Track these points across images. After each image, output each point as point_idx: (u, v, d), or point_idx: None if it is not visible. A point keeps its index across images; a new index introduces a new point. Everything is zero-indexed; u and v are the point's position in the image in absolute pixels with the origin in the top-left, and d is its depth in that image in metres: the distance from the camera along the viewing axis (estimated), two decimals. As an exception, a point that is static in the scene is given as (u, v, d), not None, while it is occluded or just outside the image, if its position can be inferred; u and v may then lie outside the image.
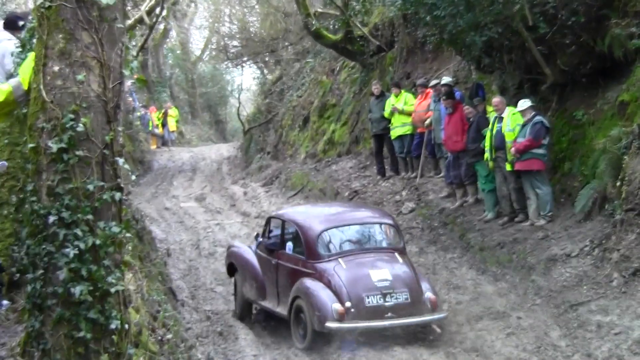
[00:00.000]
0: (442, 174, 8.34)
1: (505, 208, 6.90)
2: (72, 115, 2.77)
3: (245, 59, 18.21)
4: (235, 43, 18.56)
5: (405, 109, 8.78)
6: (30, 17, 3.84)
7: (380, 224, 5.98)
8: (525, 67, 6.96)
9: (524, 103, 6.56)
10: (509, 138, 6.75)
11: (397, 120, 8.93)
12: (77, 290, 2.66)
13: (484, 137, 7.03)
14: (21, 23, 4.15)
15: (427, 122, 8.40)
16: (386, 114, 9.02)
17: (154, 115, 17.60)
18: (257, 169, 13.26)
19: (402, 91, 9.06)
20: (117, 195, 2.85)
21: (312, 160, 11.48)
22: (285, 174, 11.40)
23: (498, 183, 6.96)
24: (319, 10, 12.08)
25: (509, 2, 6.27)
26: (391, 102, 9.01)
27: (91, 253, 2.72)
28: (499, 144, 6.83)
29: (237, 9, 18.61)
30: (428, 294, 5.49)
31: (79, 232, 2.70)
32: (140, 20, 11.74)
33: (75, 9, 2.71)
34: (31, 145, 2.79)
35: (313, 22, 10.75)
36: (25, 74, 3.02)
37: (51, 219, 2.71)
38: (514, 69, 7.05)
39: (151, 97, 19.41)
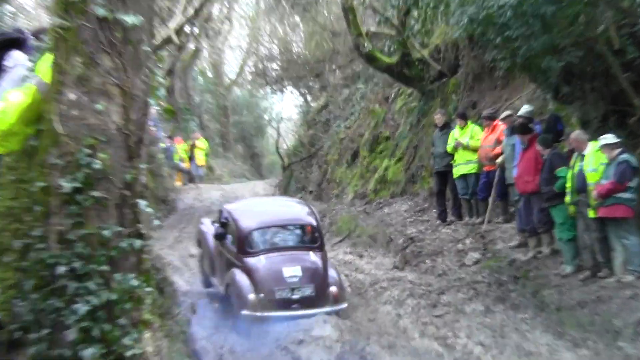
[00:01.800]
0: (513, 220, 8.32)
1: (586, 261, 6.80)
2: (88, 151, 2.72)
3: (286, 83, 18.40)
4: (275, 66, 18.71)
5: (471, 144, 8.86)
6: (42, 36, 3.86)
7: (302, 225, 7.50)
8: (610, 97, 6.99)
9: (607, 139, 6.51)
10: (591, 179, 6.70)
11: (460, 157, 9.02)
12: (87, 353, 2.63)
13: (558, 178, 7.02)
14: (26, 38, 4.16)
15: (499, 160, 8.37)
16: (449, 148, 9.09)
17: (180, 148, 17.94)
18: None
19: (469, 123, 9.11)
20: (137, 243, 2.82)
21: (361, 201, 11.52)
22: (329, 217, 11.55)
23: (579, 231, 6.89)
24: (372, 29, 12.13)
25: (591, 23, 6.38)
26: (455, 135, 9.08)
27: (105, 310, 2.68)
28: (581, 186, 6.76)
29: (277, 27, 18.83)
30: (332, 288, 7.00)
31: (92, 285, 2.67)
32: (168, 41, 11.69)
33: (97, 29, 2.66)
34: (40, 183, 2.74)
35: (365, 44, 10.84)
36: (43, 71, 2.95)
37: (60, 269, 2.66)
38: (597, 99, 7.06)
39: (177, 126, 19.70)
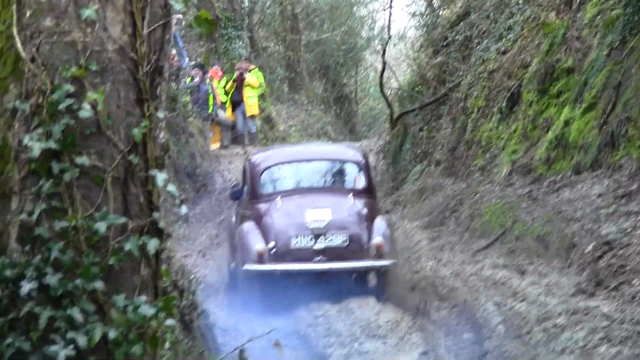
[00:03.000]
0: None
1: None
2: (70, 87, 2.63)
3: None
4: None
5: None
6: None
7: (342, 161, 9.07)
8: None
9: None
10: None
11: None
12: None
13: None
14: None
15: None
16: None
17: (219, 85, 17.39)
18: (416, 194, 13.89)
19: None
20: (152, 244, 2.74)
21: (523, 178, 11.46)
22: (469, 204, 11.68)
23: None
24: None
25: None
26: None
27: (100, 355, 2.58)
28: None
29: None
30: (376, 240, 8.16)
31: (77, 313, 2.55)
32: None
33: None
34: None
35: None
36: None
37: (25, 287, 2.55)
38: None
39: (215, 48, 19.08)
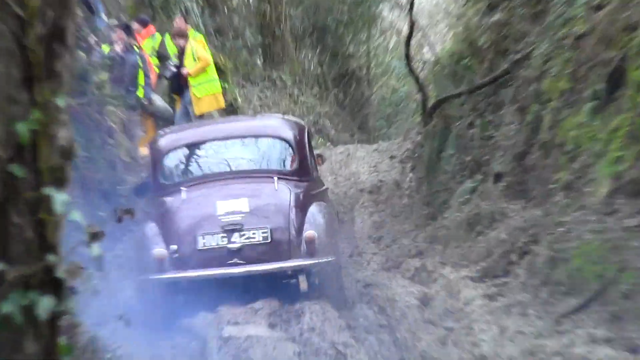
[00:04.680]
0: None
1: None
2: None
3: None
4: None
5: None
6: None
7: (267, 137, 10.54)
8: None
9: None
10: None
11: None
12: None
13: None
14: None
15: None
16: None
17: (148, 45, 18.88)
18: (464, 226, 13.85)
19: None
20: (45, 304, 2.92)
21: (633, 201, 11.14)
22: (548, 242, 11.24)
23: None
24: None
25: None
26: None
27: None
28: None
29: None
30: (308, 232, 9.40)
31: None
32: None
33: None
34: None
35: None
36: None
37: None
38: None
39: (147, 1, 19.93)
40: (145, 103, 17.68)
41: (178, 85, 18.26)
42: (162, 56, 19.01)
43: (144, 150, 17.78)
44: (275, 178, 9.99)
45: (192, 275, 9.32)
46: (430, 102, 17.40)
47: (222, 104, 19.36)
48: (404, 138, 21.00)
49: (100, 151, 15.42)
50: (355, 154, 22.37)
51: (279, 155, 10.50)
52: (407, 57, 18.11)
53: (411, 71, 18.30)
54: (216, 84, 18.61)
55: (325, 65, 26.64)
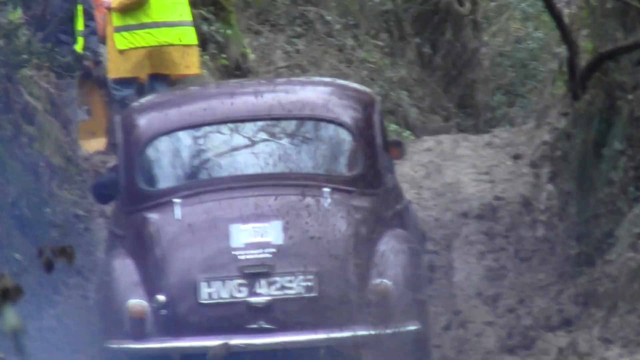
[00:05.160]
0: None
1: None
2: None
3: None
4: None
5: None
6: None
7: (313, 119, 10.61)
8: None
9: None
10: None
11: None
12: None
13: None
14: None
15: None
16: None
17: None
18: None
19: None
20: None
21: None
22: None
23: None
24: None
25: None
26: None
27: None
28: None
29: None
30: (378, 282, 9.60)
31: None
32: None
33: None
34: None
35: None
36: None
37: None
38: None
39: None
40: (88, 63, 18.25)
41: None
42: None
43: (88, 145, 18.14)
44: (326, 189, 9.81)
45: (190, 346, 9.31)
46: (584, 61, 16.73)
47: (195, 66, 19.33)
48: (537, 124, 21.19)
49: (10, 148, 15.24)
50: (454, 151, 22.15)
51: (331, 150, 10.25)
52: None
53: (549, 5, 17.65)
54: (179, 31, 18.74)
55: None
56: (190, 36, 18.35)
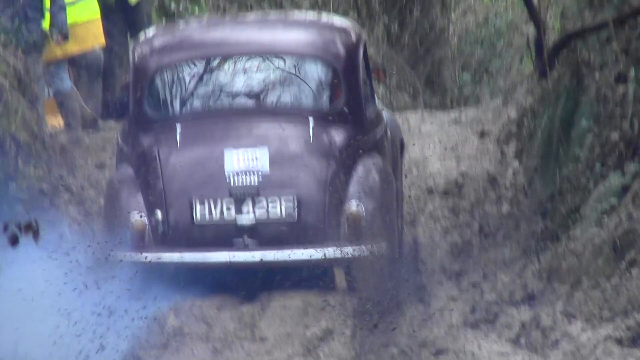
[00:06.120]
0: None
1: None
2: None
3: None
4: None
5: None
6: None
7: (302, 56, 11.68)
8: None
9: None
10: None
11: None
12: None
13: None
14: None
15: None
16: None
17: None
18: (605, 252, 13.25)
19: None
20: None
21: None
22: None
23: None
24: None
25: None
26: None
27: None
28: None
29: None
30: (351, 205, 10.75)
31: None
32: None
33: None
34: None
35: None
36: None
37: None
38: None
39: None
40: (58, 39, 18.44)
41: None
42: None
43: (53, 121, 18.69)
44: (311, 119, 10.98)
45: (184, 258, 10.37)
46: (552, 39, 16.76)
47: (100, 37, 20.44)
48: (504, 101, 21.45)
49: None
50: (421, 128, 22.55)
51: (315, 84, 11.37)
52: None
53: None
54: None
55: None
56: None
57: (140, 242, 10.05)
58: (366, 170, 10.56)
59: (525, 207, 17.42)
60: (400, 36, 27.48)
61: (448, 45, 27.80)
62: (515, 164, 18.55)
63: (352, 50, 11.35)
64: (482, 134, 21.15)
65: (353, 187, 10.32)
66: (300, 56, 11.43)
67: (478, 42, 27.23)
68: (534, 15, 18.13)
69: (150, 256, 10.18)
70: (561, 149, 16.72)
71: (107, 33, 21.12)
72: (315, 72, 11.10)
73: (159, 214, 10.06)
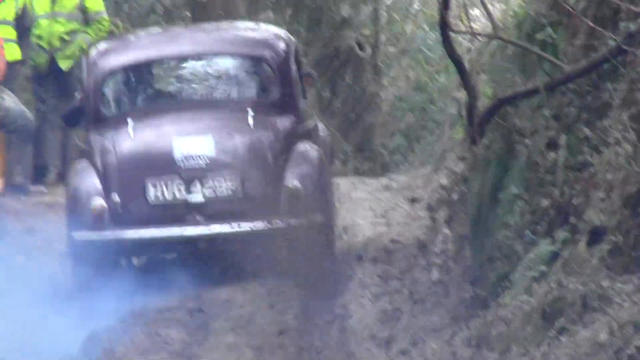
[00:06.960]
0: None
1: None
2: None
3: None
4: None
5: None
6: None
7: (242, 56, 13.62)
8: None
9: None
10: None
11: None
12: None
13: None
14: None
15: None
16: None
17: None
18: (535, 320, 12.89)
19: None
20: None
21: None
22: None
23: None
24: None
25: None
26: None
27: None
28: None
29: None
30: (291, 182, 12.25)
31: None
32: None
33: None
34: None
35: None
36: None
37: None
38: None
39: None
40: None
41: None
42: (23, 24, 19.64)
43: None
44: (250, 110, 12.38)
45: (137, 235, 11.55)
46: (483, 106, 16.62)
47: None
48: (435, 167, 21.39)
49: None
50: (351, 194, 22.52)
51: (255, 80, 13.01)
52: (444, 25, 17.11)
53: (450, 51, 17.39)
54: None
55: (302, 38, 26.04)
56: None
57: (100, 222, 11.29)
58: (302, 152, 12.07)
59: (455, 274, 17.60)
60: (332, 102, 26.52)
61: (380, 111, 27.51)
62: (446, 230, 18.67)
63: (285, 50, 13.02)
64: (413, 201, 21.36)
65: (291, 166, 11.82)
66: (240, 55, 13.19)
67: (410, 108, 27.11)
68: (466, 81, 18.15)
69: (110, 234, 11.52)
70: (491, 216, 16.85)
71: (39, 98, 22.07)
72: (253, 69, 12.92)
73: (116, 197, 11.38)
